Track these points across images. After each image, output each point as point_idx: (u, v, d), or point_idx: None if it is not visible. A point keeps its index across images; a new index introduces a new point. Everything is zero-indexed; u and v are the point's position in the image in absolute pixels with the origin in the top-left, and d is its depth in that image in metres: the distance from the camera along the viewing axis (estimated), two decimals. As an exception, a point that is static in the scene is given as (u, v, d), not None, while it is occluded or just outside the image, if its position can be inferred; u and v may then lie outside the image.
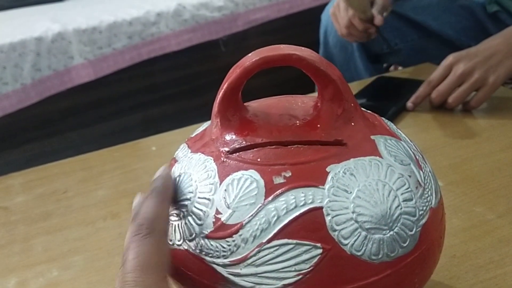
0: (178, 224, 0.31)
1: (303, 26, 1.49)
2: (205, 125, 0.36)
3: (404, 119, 0.70)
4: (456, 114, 0.70)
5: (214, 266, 0.29)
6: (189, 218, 0.30)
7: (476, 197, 0.51)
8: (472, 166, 0.56)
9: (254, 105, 0.35)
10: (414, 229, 0.29)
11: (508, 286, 0.39)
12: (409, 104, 0.70)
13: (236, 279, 0.28)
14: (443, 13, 0.88)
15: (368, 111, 0.35)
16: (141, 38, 1.29)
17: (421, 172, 0.31)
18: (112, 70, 1.27)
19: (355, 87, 0.76)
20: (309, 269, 0.27)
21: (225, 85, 0.31)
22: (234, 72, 0.31)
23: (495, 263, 0.42)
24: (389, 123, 0.35)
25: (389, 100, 0.72)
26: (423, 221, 0.30)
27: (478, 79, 0.66)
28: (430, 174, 0.32)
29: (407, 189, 0.29)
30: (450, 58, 0.67)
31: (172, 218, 0.31)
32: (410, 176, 0.30)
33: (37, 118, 1.31)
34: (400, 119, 0.70)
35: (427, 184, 0.31)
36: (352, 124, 0.31)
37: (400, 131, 0.35)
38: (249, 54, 0.31)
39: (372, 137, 0.31)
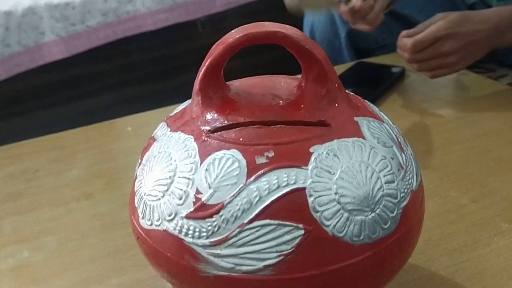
0: (157, 204, 0.30)
1: (283, 10, 1.47)
2: (185, 103, 0.35)
3: (382, 104, 0.71)
4: (434, 101, 0.71)
5: (194, 247, 0.28)
6: (168, 197, 0.29)
7: (452, 182, 0.52)
8: (448, 152, 0.57)
9: (236, 84, 0.34)
10: (395, 211, 0.29)
11: (481, 269, 0.40)
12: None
13: (216, 260, 0.28)
14: (428, 5, 0.88)
15: (351, 93, 0.35)
16: (116, 16, 1.25)
17: (403, 154, 0.31)
18: (85, 48, 1.23)
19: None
20: (290, 250, 0.27)
21: (207, 62, 0.31)
22: (216, 49, 0.30)
23: (469, 246, 0.43)
24: (372, 105, 0.35)
25: (368, 85, 0.73)
26: (404, 203, 0.30)
27: (451, 62, 0.66)
28: (411, 157, 0.33)
29: (389, 171, 0.29)
30: (443, 31, 0.65)
31: (150, 198, 0.30)
32: (392, 158, 0.30)
33: (6, 96, 1.26)
34: (378, 105, 0.70)
35: (409, 166, 0.31)
36: (336, 105, 0.31)
37: (382, 114, 0.35)
38: (233, 31, 0.31)
39: (356, 118, 0.31)
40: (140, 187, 0.32)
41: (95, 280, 0.43)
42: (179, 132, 0.32)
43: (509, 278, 0.39)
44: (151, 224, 0.30)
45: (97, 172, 0.59)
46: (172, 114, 0.35)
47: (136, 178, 0.33)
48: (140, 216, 0.31)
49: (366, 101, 0.35)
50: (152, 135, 0.35)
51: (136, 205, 0.32)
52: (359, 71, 0.79)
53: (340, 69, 0.80)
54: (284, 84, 0.33)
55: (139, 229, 0.32)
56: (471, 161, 0.55)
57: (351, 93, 0.35)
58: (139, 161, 0.34)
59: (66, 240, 0.49)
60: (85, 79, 1.31)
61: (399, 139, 0.32)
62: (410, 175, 0.31)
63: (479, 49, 0.67)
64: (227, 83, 0.33)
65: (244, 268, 0.27)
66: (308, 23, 0.97)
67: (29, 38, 1.19)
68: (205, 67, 0.31)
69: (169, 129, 0.33)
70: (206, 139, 0.30)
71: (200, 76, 0.31)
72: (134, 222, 0.32)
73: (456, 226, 0.45)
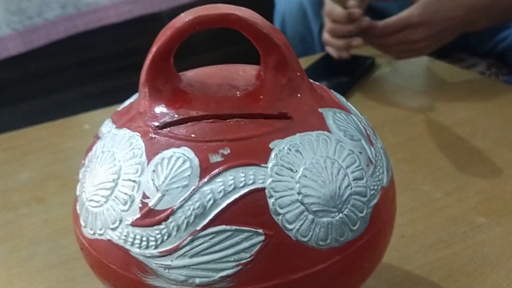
0: (100, 211, 0.26)
1: (253, 3, 1.44)
2: (134, 97, 0.32)
3: (352, 96, 0.68)
4: (405, 91, 0.69)
5: (141, 258, 0.25)
6: (112, 203, 0.26)
7: (424, 175, 0.50)
8: (420, 144, 0.55)
9: (189, 74, 0.31)
10: (365, 211, 0.26)
11: (458, 266, 0.38)
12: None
13: (167, 272, 0.25)
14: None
15: (316, 82, 0.32)
16: (76, 8, 1.19)
17: (372, 148, 0.29)
18: (43, 43, 1.17)
19: (302, 63, 0.73)
20: (249, 259, 0.24)
21: (154, 49, 0.27)
22: (164, 34, 0.27)
23: (444, 242, 0.41)
24: (338, 95, 0.32)
25: (337, 77, 0.70)
26: (374, 201, 0.27)
27: (419, 47, 0.65)
28: (381, 150, 0.30)
29: (357, 167, 0.27)
30: (415, 19, 0.62)
31: (92, 204, 0.27)
32: (360, 153, 0.27)
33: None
34: (349, 96, 0.68)
35: (379, 161, 0.29)
36: (298, 95, 0.28)
37: (350, 104, 0.32)
38: (182, 14, 0.27)
39: (320, 110, 0.28)
40: (82, 191, 0.28)
41: (45, 292, 0.40)
42: (124, 128, 0.28)
43: (487, 276, 0.37)
44: (94, 234, 0.27)
45: (50, 174, 0.55)
46: (119, 109, 0.32)
47: (78, 181, 0.30)
48: (83, 224, 0.28)
49: (332, 91, 0.33)
50: (97, 133, 0.31)
51: (78, 212, 0.29)
52: (327, 62, 0.77)
53: (308, 60, 0.77)
54: (242, 74, 0.30)
55: (82, 239, 0.28)
56: (443, 153, 0.53)
57: (316, 83, 0.32)
58: (82, 162, 0.30)
59: (14, 249, 0.45)
60: (44, 76, 1.25)
61: (368, 132, 0.30)
62: (380, 171, 0.28)
63: (448, 35, 0.66)
64: (178, 73, 0.30)
65: (198, 280, 0.24)
66: (279, 16, 0.94)
67: (-18, 32, 1.13)
68: (151, 55, 0.27)
69: (114, 126, 0.29)
70: (153, 136, 0.27)
71: (146, 65, 0.28)
72: (77, 231, 0.29)
73: (430, 221, 0.43)
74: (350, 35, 0.68)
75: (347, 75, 0.71)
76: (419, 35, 0.63)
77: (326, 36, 0.72)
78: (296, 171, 0.25)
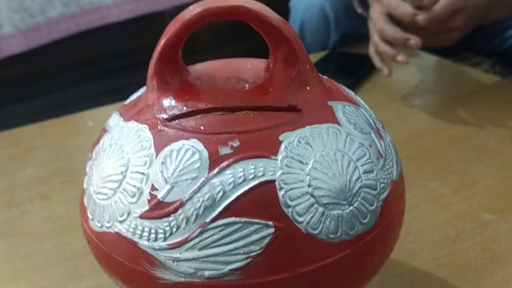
0: (107, 204, 0.26)
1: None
2: (142, 90, 0.32)
3: (357, 93, 0.68)
4: (410, 89, 0.69)
5: (149, 250, 0.25)
6: (120, 195, 0.26)
7: (430, 172, 0.50)
8: (425, 141, 0.55)
9: (197, 67, 0.31)
10: (375, 204, 0.26)
11: (465, 263, 0.38)
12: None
13: (175, 265, 0.24)
14: None
15: (325, 76, 0.32)
16: (78, 7, 1.19)
17: (381, 141, 0.28)
18: (46, 41, 1.17)
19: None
20: (259, 251, 0.24)
21: (163, 41, 0.27)
22: (172, 27, 0.27)
23: (451, 239, 0.40)
24: (347, 89, 0.32)
25: (343, 74, 0.70)
26: (384, 195, 0.27)
27: (451, 37, 0.62)
28: (390, 144, 0.30)
29: (367, 159, 0.26)
30: (458, 3, 0.58)
31: (99, 196, 0.27)
32: (370, 146, 0.27)
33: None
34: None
35: (388, 154, 0.28)
36: (308, 88, 0.28)
37: (358, 98, 0.32)
38: (191, 6, 0.27)
39: (330, 103, 0.28)
40: (90, 184, 0.28)
41: (49, 288, 0.39)
42: (132, 121, 0.28)
43: (495, 272, 0.37)
44: (102, 226, 0.27)
45: (54, 171, 0.55)
46: (126, 102, 0.32)
47: (86, 174, 0.30)
48: (90, 217, 0.28)
49: (341, 85, 0.32)
50: (104, 126, 0.31)
51: (86, 205, 0.28)
52: (333, 60, 0.77)
53: (313, 58, 0.77)
54: (250, 67, 0.30)
55: (90, 232, 0.28)
56: (450, 150, 0.53)
57: (324, 77, 0.32)
58: (89, 155, 0.30)
59: (18, 245, 0.45)
60: (46, 74, 1.25)
61: (377, 125, 0.30)
62: (390, 164, 0.28)
63: (471, 26, 0.63)
64: (187, 67, 0.30)
65: (208, 273, 0.24)
66: (297, 20, 0.92)
67: (-15, 31, 1.13)
68: (160, 47, 0.27)
69: (121, 119, 0.29)
70: (162, 128, 0.26)
71: (154, 57, 0.28)
72: (84, 224, 0.29)
73: (436, 218, 0.43)
74: (394, 44, 0.62)
75: (353, 73, 0.71)
76: (459, 21, 0.59)
77: (375, 37, 0.66)
78: (306, 163, 0.25)
